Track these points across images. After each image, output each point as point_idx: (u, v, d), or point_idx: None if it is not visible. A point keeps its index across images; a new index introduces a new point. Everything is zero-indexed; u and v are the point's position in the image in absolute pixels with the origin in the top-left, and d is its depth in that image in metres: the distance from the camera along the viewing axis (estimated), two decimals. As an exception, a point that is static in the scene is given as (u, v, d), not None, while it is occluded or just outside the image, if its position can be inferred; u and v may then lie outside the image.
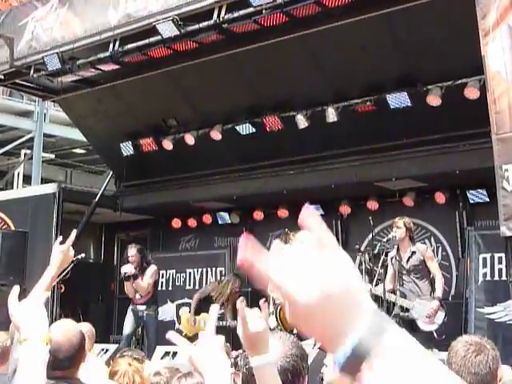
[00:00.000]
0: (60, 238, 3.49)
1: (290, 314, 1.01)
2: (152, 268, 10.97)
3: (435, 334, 8.66)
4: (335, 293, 0.98)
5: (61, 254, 3.65)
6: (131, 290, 10.87)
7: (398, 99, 10.04)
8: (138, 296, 10.86)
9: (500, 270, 9.32)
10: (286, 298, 1.00)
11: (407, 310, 8.81)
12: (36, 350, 2.56)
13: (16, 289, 2.84)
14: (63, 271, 10.76)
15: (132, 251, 10.90)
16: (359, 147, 10.95)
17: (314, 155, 11.42)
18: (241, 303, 2.15)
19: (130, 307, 10.99)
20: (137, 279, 10.71)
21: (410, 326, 8.84)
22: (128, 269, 10.77)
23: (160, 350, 9.20)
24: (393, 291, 8.96)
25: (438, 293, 8.79)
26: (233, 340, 9.05)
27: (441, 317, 8.69)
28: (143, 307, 10.83)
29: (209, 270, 13.06)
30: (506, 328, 9.06)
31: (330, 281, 0.98)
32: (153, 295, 11.02)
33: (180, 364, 7.44)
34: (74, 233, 3.36)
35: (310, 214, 1.03)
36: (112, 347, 9.28)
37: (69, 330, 3.67)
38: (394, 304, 8.97)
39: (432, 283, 8.93)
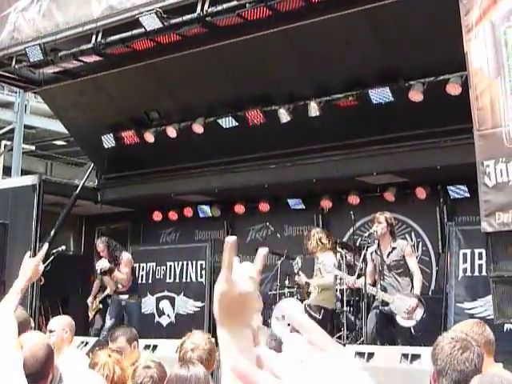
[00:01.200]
0: (29, 253, 3.43)
1: None
2: (125, 255, 10.88)
3: (413, 330, 8.71)
4: None
5: (31, 267, 3.62)
6: (111, 283, 10.82)
7: (380, 94, 10.06)
8: (119, 286, 10.80)
9: (480, 266, 9.37)
10: None
11: (387, 303, 8.85)
12: (11, 357, 2.55)
13: None
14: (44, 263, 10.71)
15: (100, 247, 10.79)
16: (341, 142, 10.97)
17: (295, 149, 11.43)
18: (230, 242, 1.47)
19: (112, 297, 10.93)
20: (113, 272, 10.64)
21: (390, 320, 8.88)
22: (102, 264, 10.67)
23: (140, 342, 9.17)
24: (373, 285, 9.00)
25: (417, 290, 8.82)
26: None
27: (419, 314, 8.73)
28: (125, 296, 10.77)
29: (189, 263, 13.02)
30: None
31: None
32: (132, 281, 10.94)
33: (160, 357, 7.44)
34: (45, 246, 3.30)
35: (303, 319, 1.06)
36: (92, 340, 9.25)
37: (35, 344, 3.57)
38: (374, 297, 9.01)
39: (412, 280, 8.97)
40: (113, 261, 10.69)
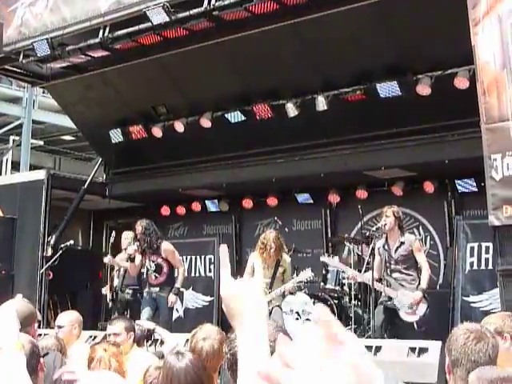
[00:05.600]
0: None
1: None
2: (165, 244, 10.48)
3: (415, 325, 8.70)
4: None
5: None
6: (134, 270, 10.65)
7: (388, 88, 10.05)
8: (153, 276, 10.22)
9: (487, 260, 9.36)
10: None
11: (391, 298, 8.83)
12: (14, 358, 2.56)
13: None
14: (52, 258, 10.70)
15: (138, 229, 10.30)
16: (349, 136, 10.96)
17: (303, 144, 11.43)
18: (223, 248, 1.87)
19: (145, 289, 10.38)
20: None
21: (395, 315, 8.87)
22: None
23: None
24: (379, 280, 8.98)
25: (423, 284, 8.79)
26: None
27: (423, 309, 8.70)
28: (156, 289, 10.19)
29: (198, 257, 13.05)
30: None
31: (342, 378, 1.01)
32: (168, 275, 10.39)
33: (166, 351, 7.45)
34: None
35: (323, 312, 1.06)
36: (100, 334, 9.26)
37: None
38: (380, 292, 9.00)
39: (419, 275, 8.94)
40: (149, 247, 10.17)
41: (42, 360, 3.51)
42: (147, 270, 10.29)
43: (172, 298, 10.05)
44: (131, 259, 10.35)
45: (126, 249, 10.94)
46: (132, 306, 11.14)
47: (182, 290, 10.59)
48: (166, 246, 10.35)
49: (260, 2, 9.33)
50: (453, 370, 3.27)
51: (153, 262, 10.21)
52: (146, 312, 10.15)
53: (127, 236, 11.18)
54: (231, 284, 1.80)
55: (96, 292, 14.05)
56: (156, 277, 10.20)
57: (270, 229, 10.38)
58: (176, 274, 10.33)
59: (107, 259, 11.09)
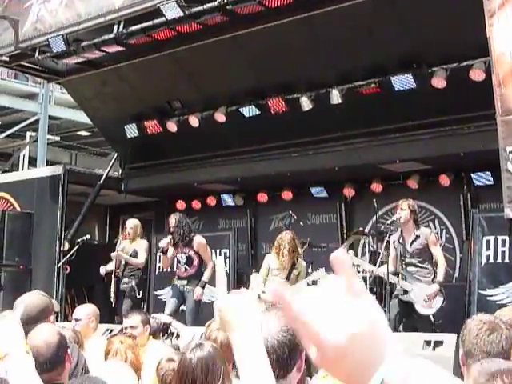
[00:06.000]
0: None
1: (317, 357, 1.01)
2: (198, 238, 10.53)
3: (432, 318, 8.69)
4: (363, 333, 0.99)
5: None
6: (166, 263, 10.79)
7: (403, 81, 10.02)
8: (183, 269, 10.27)
9: (503, 253, 9.31)
10: (312, 340, 1.00)
11: (407, 292, 8.81)
12: (22, 361, 2.60)
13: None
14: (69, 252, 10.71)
15: (171, 222, 10.30)
16: (363, 129, 10.94)
17: (318, 137, 11.41)
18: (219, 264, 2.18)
19: (174, 282, 10.46)
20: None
21: (411, 308, 8.85)
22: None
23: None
24: (395, 273, 8.95)
25: (440, 277, 8.75)
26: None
27: (439, 302, 8.68)
28: (184, 282, 10.20)
29: (213, 252, 13.06)
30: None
31: (358, 321, 0.99)
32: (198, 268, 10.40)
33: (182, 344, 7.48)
34: None
35: (341, 258, 1.03)
36: (117, 327, 9.30)
37: (46, 332, 3.56)
38: (395, 285, 8.97)
39: (434, 268, 8.90)
40: (181, 239, 10.18)
41: (69, 351, 3.54)
42: (178, 262, 10.35)
43: (198, 290, 10.09)
44: (163, 252, 10.42)
45: (127, 236, 11.17)
46: (129, 292, 11.19)
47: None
48: (199, 239, 10.42)
49: (274, -5, 9.32)
50: (466, 362, 3.26)
51: (184, 253, 10.25)
52: (171, 303, 10.20)
53: (132, 223, 11.26)
54: (227, 298, 2.00)
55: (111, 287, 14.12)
56: (186, 269, 10.24)
57: (287, 230, 10.37)
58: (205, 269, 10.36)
59: (114, 254, 11.19)
